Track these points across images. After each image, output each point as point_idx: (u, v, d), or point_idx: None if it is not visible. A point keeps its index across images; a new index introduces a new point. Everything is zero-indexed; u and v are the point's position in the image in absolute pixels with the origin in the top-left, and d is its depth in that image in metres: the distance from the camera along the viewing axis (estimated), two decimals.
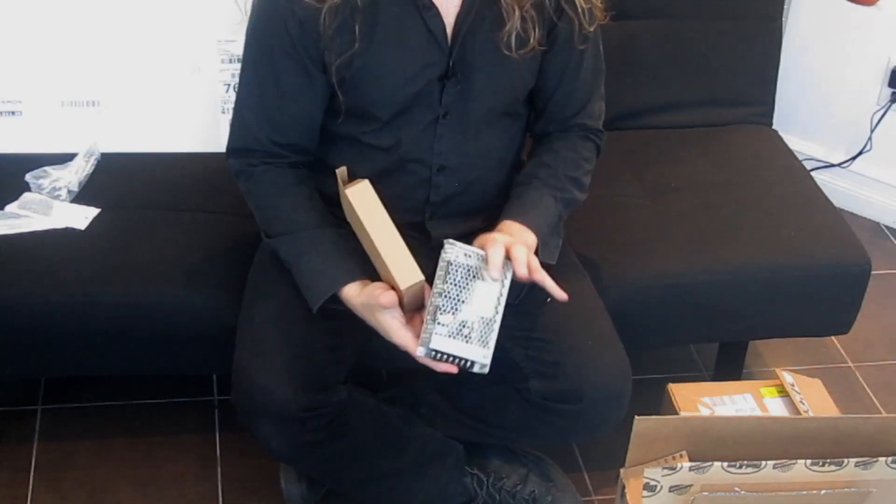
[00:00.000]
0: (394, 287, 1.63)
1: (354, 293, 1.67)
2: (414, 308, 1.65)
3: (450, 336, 1.58)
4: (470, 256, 1.61)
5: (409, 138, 1.74)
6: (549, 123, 1.85)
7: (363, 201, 1.65)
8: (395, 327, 1.62)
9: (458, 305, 1.58)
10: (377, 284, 1.65)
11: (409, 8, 1.66)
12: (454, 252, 1.60)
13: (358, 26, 1.64)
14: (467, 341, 1.58)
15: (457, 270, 1.60)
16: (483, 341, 1.59)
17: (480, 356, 1.59)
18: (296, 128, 1.74)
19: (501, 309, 1.61)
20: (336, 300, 1.70)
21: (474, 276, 1.60)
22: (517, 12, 1.66)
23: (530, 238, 1.70)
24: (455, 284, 1.59)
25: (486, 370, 1.60)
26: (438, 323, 1.57)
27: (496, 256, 1.60)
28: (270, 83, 1.71)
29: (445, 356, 1.58)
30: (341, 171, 1.71)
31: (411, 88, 1.70)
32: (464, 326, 1.58)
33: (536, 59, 1.75)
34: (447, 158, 1.77)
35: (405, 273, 1.60)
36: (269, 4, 1.67)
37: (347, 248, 1.71)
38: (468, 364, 1.59)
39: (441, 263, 1.60)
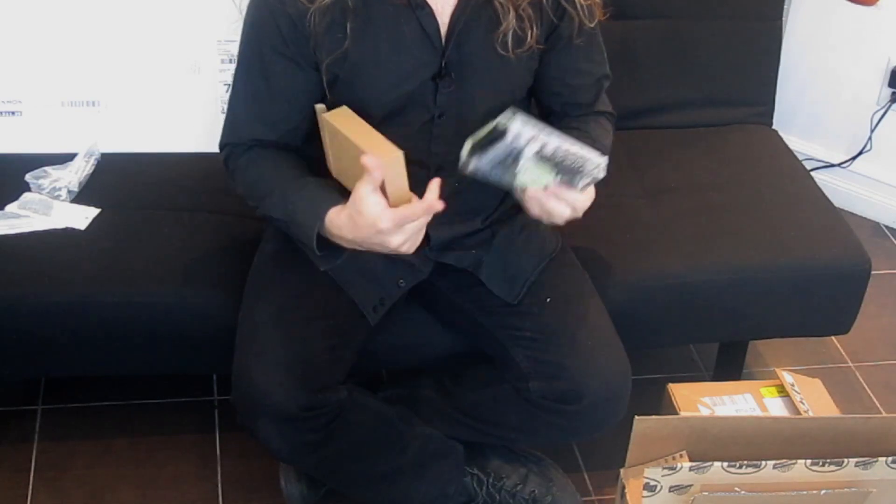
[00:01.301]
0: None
1: (338, 210, 1.61)
2: (396, 198, 1.59)
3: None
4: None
5: (405, 139, 1.73)
6: (562, 118, 1.83)
7: (343, 118, 1.65)
8: (380, 207, 1.54)
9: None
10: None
11: (403, 6, 1.66)
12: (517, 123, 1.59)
13: (350, 24, 1.63)
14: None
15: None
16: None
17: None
18: (286, 126, 1.74)
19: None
20: (334, 254, 1.67)
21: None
22: (512, 12, 1.65)
23: None
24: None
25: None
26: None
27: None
28: (262, 82, 1.71)
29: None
30: (320, 106, 1.69)
31: (404, 88, 1.70)
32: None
33: (535, 58, 1.74)
34: (444, 159, 1.76)
35: (385, 148, 1.57)
36: (262, 3, 1.67)
37: (330, 188, 1.68)
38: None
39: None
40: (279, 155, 1.74)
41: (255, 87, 1.72)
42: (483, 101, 1.74)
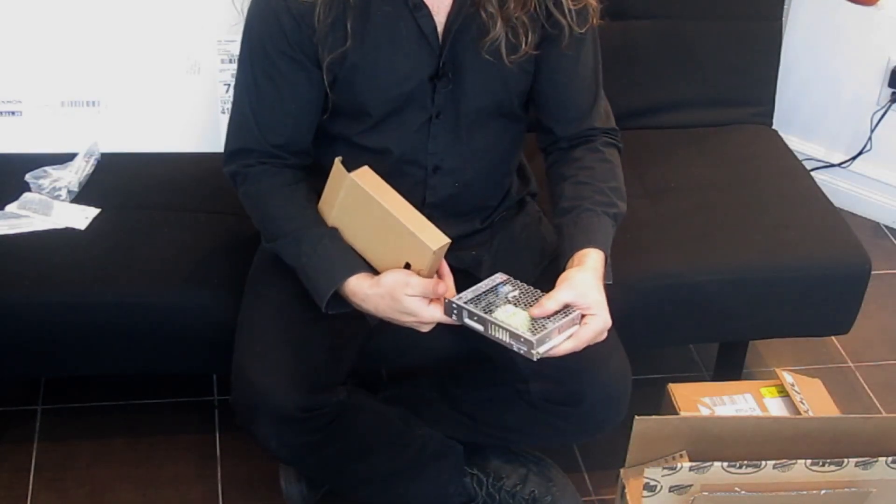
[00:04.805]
0: (407, 265, 1.63)
1: (362, 280, 1.64)
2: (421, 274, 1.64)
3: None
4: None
5: (403, 139, 1.73)
6: (564, 129, 1.81)
7: (370, 181, 1.65)
8: (423, 307, 1.61)
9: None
10: (401, 271, 1.63)
11: (401, 7, 1.66)
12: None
13: (350, 24, 1.64)
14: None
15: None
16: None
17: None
18: (293, 126, 1.74)
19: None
20: (343, 303, 1.68)
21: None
22: (500, 22, 1.64)
23: (600, 261, 1.68)
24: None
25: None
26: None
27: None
28: (267, 82, 1.70)
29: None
30: (339, 162, 1.68)
31: (403, 88, 1.70)
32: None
33: (530, 60, 1.73)
34: (442, 159, 1.76)
35: (433, 236, 1.61)
36: (264, 3, 1.67)
37: (345, 246, 1.70)
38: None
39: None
40: (293, 189, 1.73)
41: (259, 87, 1.71)
42: (479, 101, 1.74)
